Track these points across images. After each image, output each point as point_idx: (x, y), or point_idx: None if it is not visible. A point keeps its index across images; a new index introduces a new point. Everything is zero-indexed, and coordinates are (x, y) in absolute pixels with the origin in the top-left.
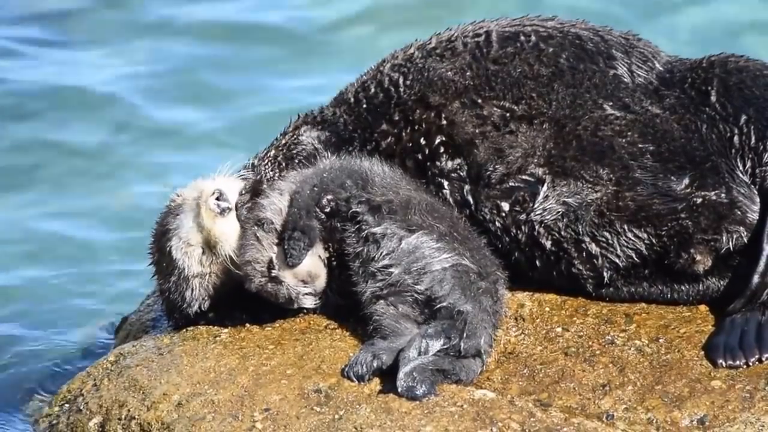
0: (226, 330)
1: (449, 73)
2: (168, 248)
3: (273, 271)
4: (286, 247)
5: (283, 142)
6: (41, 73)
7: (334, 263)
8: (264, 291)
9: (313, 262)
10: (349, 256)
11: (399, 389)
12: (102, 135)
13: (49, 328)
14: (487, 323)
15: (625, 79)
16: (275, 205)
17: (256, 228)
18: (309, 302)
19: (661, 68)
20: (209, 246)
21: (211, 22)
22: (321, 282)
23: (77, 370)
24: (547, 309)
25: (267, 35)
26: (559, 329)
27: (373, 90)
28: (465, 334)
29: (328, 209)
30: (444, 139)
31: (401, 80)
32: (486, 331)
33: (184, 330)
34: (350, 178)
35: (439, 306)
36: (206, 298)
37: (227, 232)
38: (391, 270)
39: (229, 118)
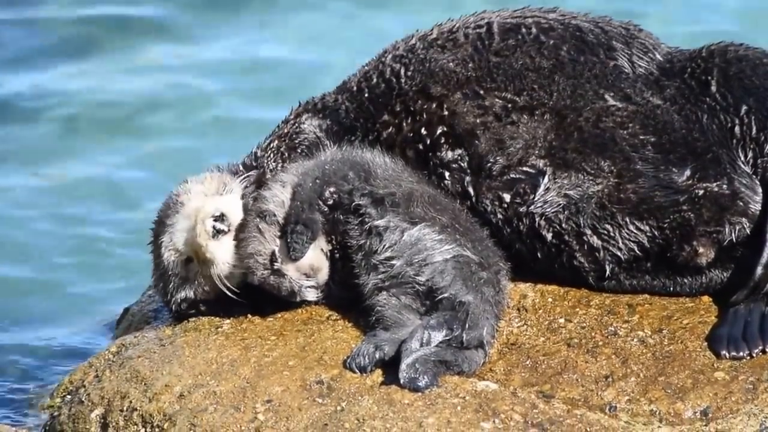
0: (228, 321)
1: (451, 64)
2: (160, 242)
3: (275, 263)
4: (288, 240)
5: (285, 131)
6: None
7: (337, 256)
8: (266, 284)
9: (316, 255)
10: (352, 249)
11: (401, 380)
12: None
13: (51, 319)
14: (490, 314)
15: (626, 70)
16: (278, 198)
17: (258, 220)
18: (311, 295)
19: (661, 59)
20: (197, 259)
21: None
22: (323, 275)
23: (79, 362)
24: (550, 300)
25: None
26: (562, 320)
27: (374, 80)
28: (467, 325)
29: (330, 202)
30: (445, 129)
31: (402, 71)
32: (488, 322)
33: (186, 321)
34: (353, 170)
35: (440, 297)
36: (185, 300)
37: (218, 255)
38: (393, 262)
39: None
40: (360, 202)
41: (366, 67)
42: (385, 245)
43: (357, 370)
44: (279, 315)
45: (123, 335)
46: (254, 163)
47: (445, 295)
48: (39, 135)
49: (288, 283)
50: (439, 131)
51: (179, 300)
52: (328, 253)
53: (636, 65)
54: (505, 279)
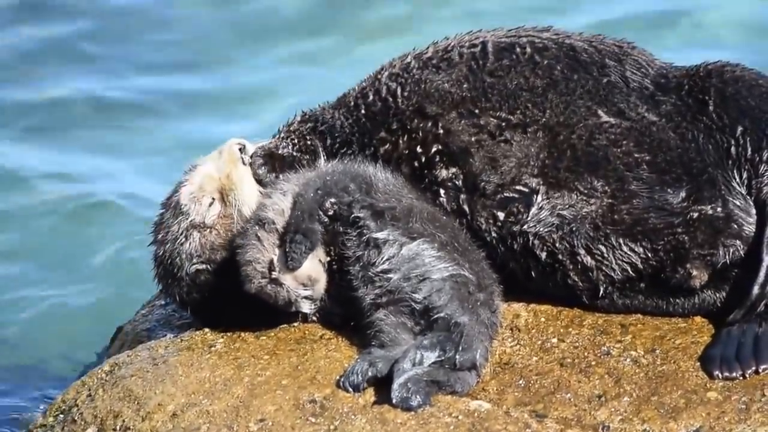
0: (221, 340)
1: (446, 84)
2: (177, 198)
3: (273, 272)
4: (287, 249)
5: (284, 141)
6: None
7: (335, 267)
8: (263, 292)
9: (314, 266)
10: (350, 260)
11: (393, 400)
12: None
13: (43, 338)
14: (484, 336)
15: (619, 85)
16: (278, 206)
17: (257, 228)
18: (306, 306)
19: (655, 74)
20: (222, 195)
21: None
22: (321, 286)
23: (72, 381)
24: (543, 319)
25: None
26: (555, 340)
27: (371, 98)
28: (461, 347)
29: (331, 212)
30: (440, 147)
31: (399, 90)
32: (482, 344)
33: (179, 340)
34: (354, 182)
35: (436, 316)
36: (200, 257)
37: (245, 180)
38: (390, 276)
39: None
40: (359, 215)
41: (363, 84)
42: (383, 258)
43: (350, 389)
44: (272, 334)
45: (116, 354)
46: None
47: (441, 314)
48: None
49: (285, 293)
50: (434, 149)
51: (196, 256)
52: (326, 265)
53: (629, 80)
54: (498, 300)
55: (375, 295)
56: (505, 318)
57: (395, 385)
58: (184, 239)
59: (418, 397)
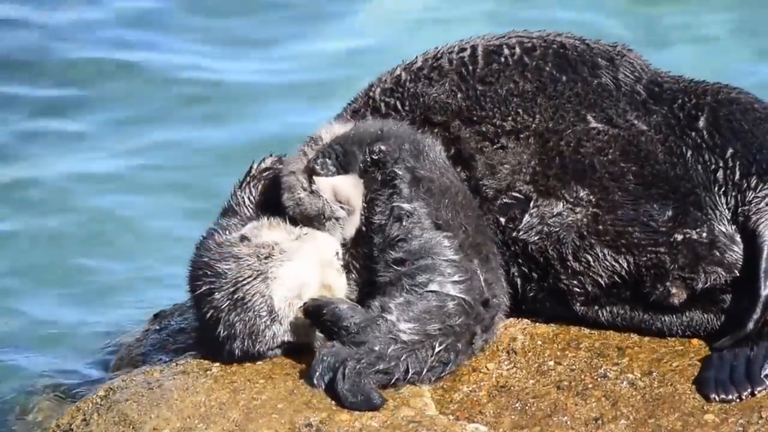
0: (216, 364)
1: (442, 96)
2: (269, 293)
3: (313, 184)
4: (321, 150)
5: None
6: None
7: (363, 219)
8: (301, 204)
9: (356, 193)
10: (374, 227)
11: (348, 406)
12: None
13: (38, 362)
14: (422, 355)
15: (610, 88)
16: (333, 129)
17: (306, 146)
18: (334, 227)
19: (648, 80)
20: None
21: None
22: (355, 219)
23: (66, 405)
24: (539, 342)
25: None
26: (552, 363)
27: (369, 117)
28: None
29: (375, 156)
30: (454, 151)
31: (399, 105)
32: (414, 359)
33: (174, 364)
34: (410, 144)
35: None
36: (283, 343)
37: (342, 286)
38: (400, 268)
39: None
40: (398, 172)
41: (354, 106)
42: (399, 236)
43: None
44: (267, 358)
45: (111, 378)
46: None
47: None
48: None
49: (321, 204)
50: (452, 151)
51: (277, 344)
52: (364, 199)
53: (621, 83)
54: (491, 330)
55: (382, 278)
56: (501, 341)
57: (349, 402)
58: (277, 331)
59: (371, 395)
